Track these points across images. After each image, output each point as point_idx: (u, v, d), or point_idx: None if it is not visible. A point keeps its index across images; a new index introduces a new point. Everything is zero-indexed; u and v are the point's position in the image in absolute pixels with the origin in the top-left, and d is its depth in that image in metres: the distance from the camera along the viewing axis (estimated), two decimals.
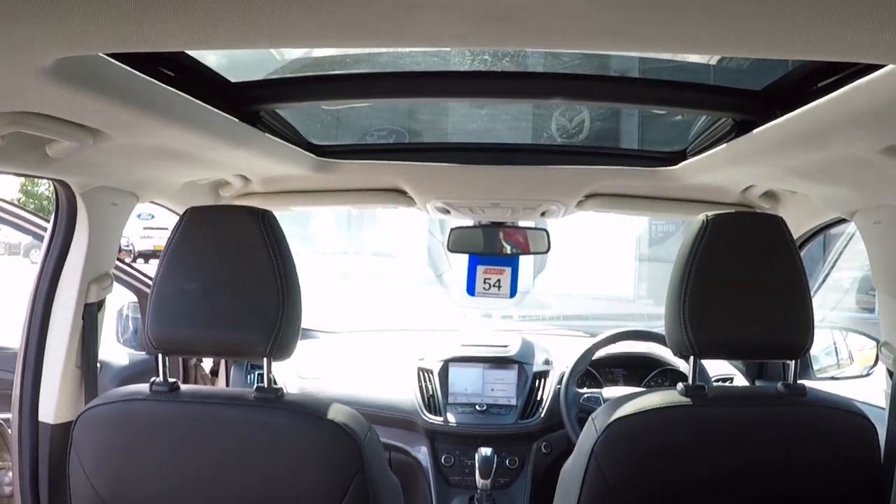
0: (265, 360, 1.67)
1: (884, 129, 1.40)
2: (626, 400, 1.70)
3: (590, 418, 1.75)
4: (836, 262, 4.35)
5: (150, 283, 2.95)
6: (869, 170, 1.67)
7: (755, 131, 1.71)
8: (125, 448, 1.63)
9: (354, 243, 11.49)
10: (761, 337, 1.67)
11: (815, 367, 3.17)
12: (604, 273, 10.58)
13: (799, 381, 1.71)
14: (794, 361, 1.70)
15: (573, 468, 1.74)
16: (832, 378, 3.08)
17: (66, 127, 1.46)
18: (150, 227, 18.95)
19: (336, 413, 1.64)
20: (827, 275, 4.29)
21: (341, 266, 11.20)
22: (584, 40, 1.13)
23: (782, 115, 1.54)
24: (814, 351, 3.16)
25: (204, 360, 3.23)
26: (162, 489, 1.63)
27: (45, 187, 25.87)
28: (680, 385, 1.70)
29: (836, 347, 3.21)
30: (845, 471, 1.65)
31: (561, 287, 9.70)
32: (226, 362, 3.28)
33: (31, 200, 24.93)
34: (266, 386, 1.67)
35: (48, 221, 2.62)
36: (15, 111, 1.33)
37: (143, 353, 3.05)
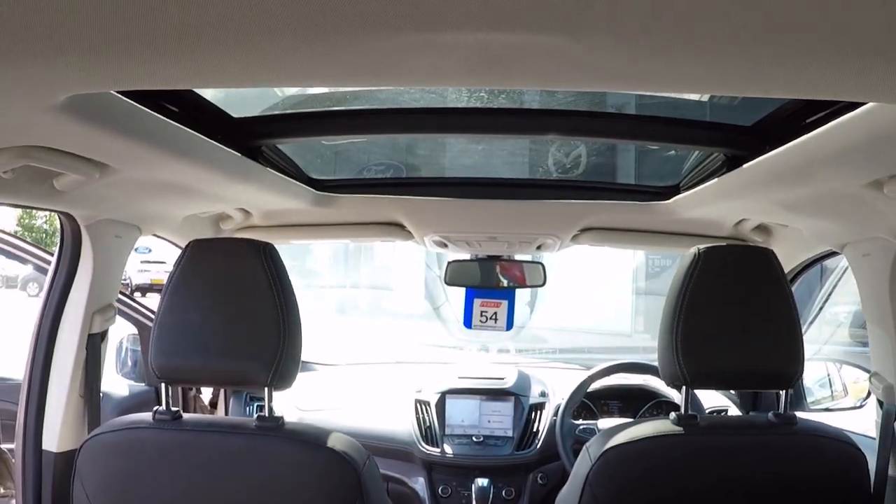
0: (266, 389, 1.69)
1: (868, 163, 1.44)
2: (619, 429, 1.72)
3: (584, 447, 1.77)
4: (829, 295, 4.36)
5: (149, 314, 2.98)
6: (856, 203, 1.70)
7: (745, 166, 1.74)
8: (129, 475, 1.65)
9: (352, 277, 11.47)
10: (752, 367, 1.69)
11: (810, 399, 3.18)
12: (601, 307, 10.55)
13: (793, 412, 1.74)
14: (785, 391, 1.73)
15: (568, 495, 1.76)
16: (826, 410, 3.10)
17: (74, 161, 1.49)
18: (147, 260, 18.95)
19: (336, 441, 1.66)
20: (821, 308, 4.30)
21: (339, 299, 11.18)
22: (579, 81, 1.16)
23: (771, 150, 1.58)
24: (808, 383, 3.18)
25: (203, 391, 3.25)
26: None
27: (42, 220, 25.93)
28: (672, 414, 1.72)
29: (830, 380, 3.23)
30: (836, 497, 1.67)
31: (558, 322, 9.68)
32: (225, 393, 3.29)
33: (28, 234, 24.94)
34: (267, 415, 1.69)
35: (47, 253, 2.66)
36: (26, 145, 1.36)
37: (143, 384, 3.07)
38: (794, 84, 1.06)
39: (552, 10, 0.81)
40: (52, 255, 2.14)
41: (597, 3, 0.79)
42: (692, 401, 1.82)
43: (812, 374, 3.23)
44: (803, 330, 1.76)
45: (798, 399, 3.08)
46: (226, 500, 1.63)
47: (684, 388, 1.72)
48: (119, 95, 1.25)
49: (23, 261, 2.87)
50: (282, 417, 1.70)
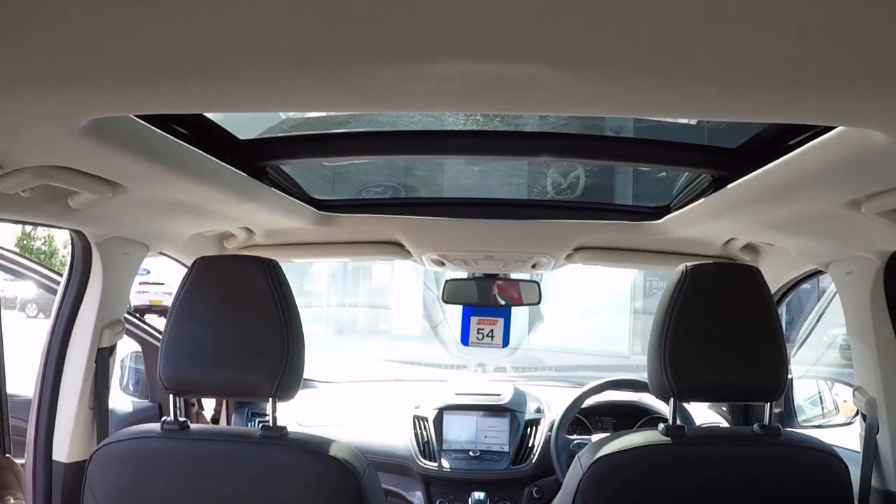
0: (270, 400, 1.74)
1: (844, 183, 1.49)
2: (610, 440, 1.77)
3: (576, 457, 1.82)
4: (821, 316, 4.41)
5: (153, 332, 3.03)
6: (837, 223, 1.76)
7: (730, 186, 1.80)
8: (138, 484, 1.70)
9: (350, 297, 11.48)
10: (738, 379, 1.74)
11: (801, 417, 3.21)
12: (598, 329, 10.55)
13: (777, 424, 1.79)
14: (769, 404, 1.79)
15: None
16: (818, 427, 3.13)
17: (89, 180, 1.55)
18: (146, 281, 18.84)
19: (337, 450, 1.72)
20: (812, 328, 4.35)
21: (338, 318, 11.19)
22: (571, 106, 1.21)
23: (754, 171, 1.64)
24: (799, 401, 3.21)
25: (205, 408, 3.29)
26: None
27: (41, 242, 25.95)
28: (661, 425, 1.77)
29: (821, 397, 3.25)
30: None
31: (555, 343, 9.67)
32: (227, 409, 3.33)
33: (27, 255, 24.88)
34: (271, 425, 1.75)
35: (54, 272, 2.72)
36: (46, 165, 1.43)
37: (146, 401, 3.12)
38: (763, 109, 1.13)
39: (535, 43, 0.87)
40: (58, 273, 2.19)
41: (574, 36, 0.85)
42: (684, 417, 1.87)
43: (803, 392, 3.27)
44: (796, 350, 1.80)
45: (789, 416, 3.12)
46: None
47: (672, 400, 1.78)
48: (136, 118, 1.31)
49: (20, 276, 2.92)
50: (285, 427, 1.75)
